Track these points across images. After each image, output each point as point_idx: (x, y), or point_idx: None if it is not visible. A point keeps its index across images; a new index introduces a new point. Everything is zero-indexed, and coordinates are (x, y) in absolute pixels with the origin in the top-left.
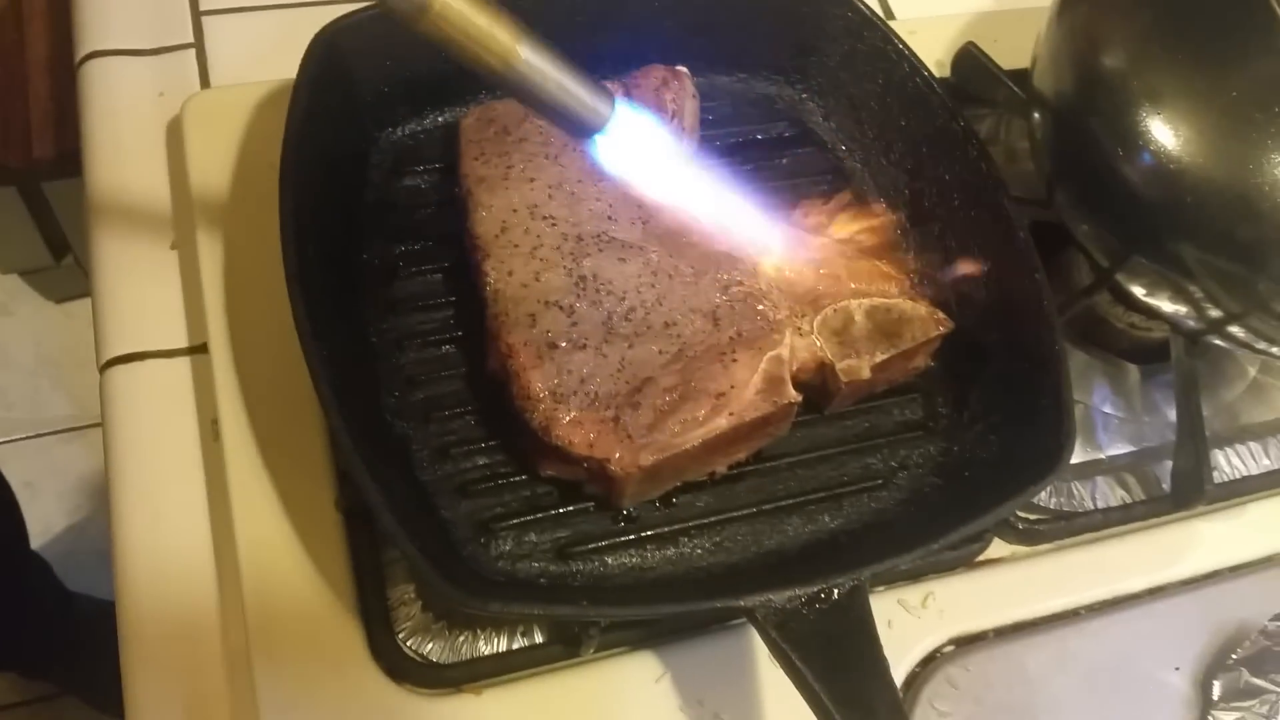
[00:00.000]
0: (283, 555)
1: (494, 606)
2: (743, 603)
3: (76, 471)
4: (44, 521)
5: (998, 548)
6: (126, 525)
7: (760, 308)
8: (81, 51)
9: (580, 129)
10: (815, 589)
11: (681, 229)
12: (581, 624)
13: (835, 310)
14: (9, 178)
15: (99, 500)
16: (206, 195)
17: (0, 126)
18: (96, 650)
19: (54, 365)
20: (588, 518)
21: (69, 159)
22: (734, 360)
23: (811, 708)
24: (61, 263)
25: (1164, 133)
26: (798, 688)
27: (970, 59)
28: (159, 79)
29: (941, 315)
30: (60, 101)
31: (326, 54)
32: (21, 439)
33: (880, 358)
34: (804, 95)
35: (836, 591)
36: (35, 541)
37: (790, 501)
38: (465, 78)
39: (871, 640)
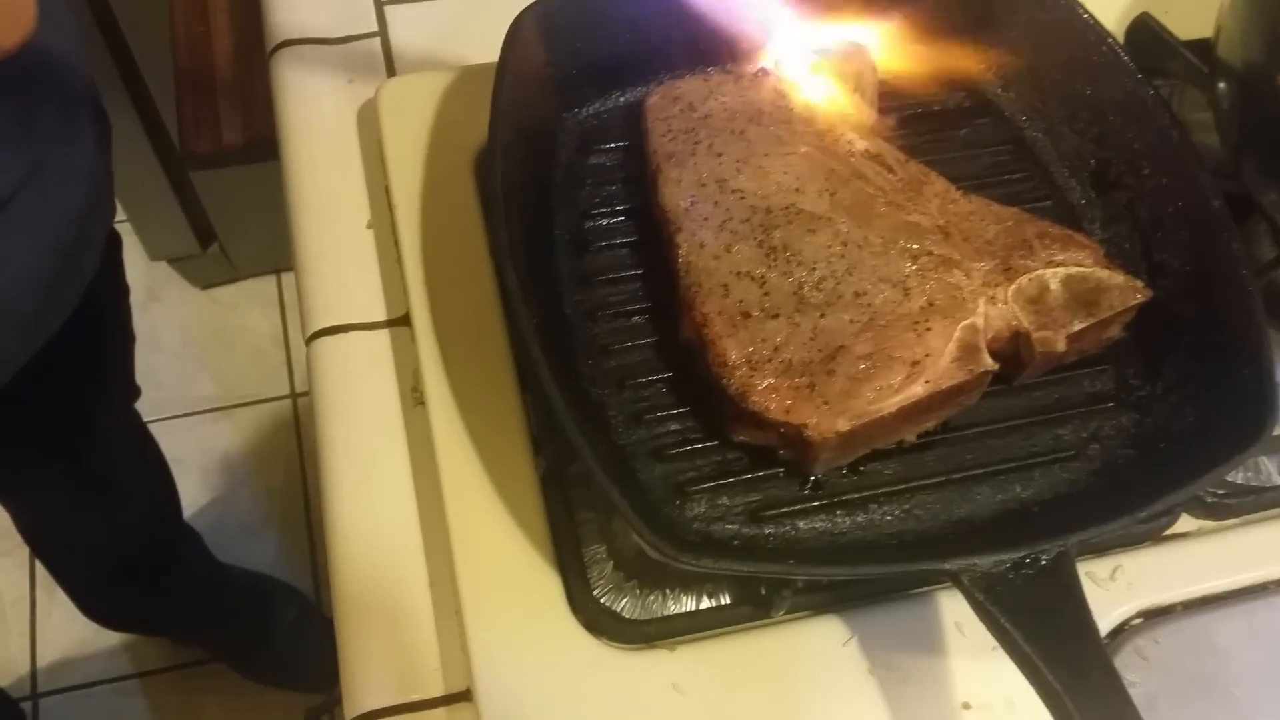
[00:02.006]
0: (486, 515)
1: (706, 562)
2: (949, 566)
3: (221, 449)
4: (191, 496)
5: (1185, 522)
6: (337, 485)
7: (951, 277)
8: (273, 41)
9: None
10: (1021, 554)
11: (868, 200)
12: (773, 585)
13: (1030, 279)
14: (200, 163)
15: (244, 476)
16: (403, 176)
17: (191, 115)
18: (245, 619)
19: (199, 348)
20: (778, 483)
21: (256, 145)
22: (928, 329)
23: (1020, 667)
24: (207, 250)
25: None
26: (1007, 650)
27: (1145, 30)
28: (347, 66)
29: (1139, 284)
30: (247, 90)
31: (525, 37)
32: (170, 418)
33: (1077, 327)
34: (982, 65)
35: (1043, 557)
36: (184, 516)
37: (980, 471)
38: (647, 59)
39: (1079, 604)
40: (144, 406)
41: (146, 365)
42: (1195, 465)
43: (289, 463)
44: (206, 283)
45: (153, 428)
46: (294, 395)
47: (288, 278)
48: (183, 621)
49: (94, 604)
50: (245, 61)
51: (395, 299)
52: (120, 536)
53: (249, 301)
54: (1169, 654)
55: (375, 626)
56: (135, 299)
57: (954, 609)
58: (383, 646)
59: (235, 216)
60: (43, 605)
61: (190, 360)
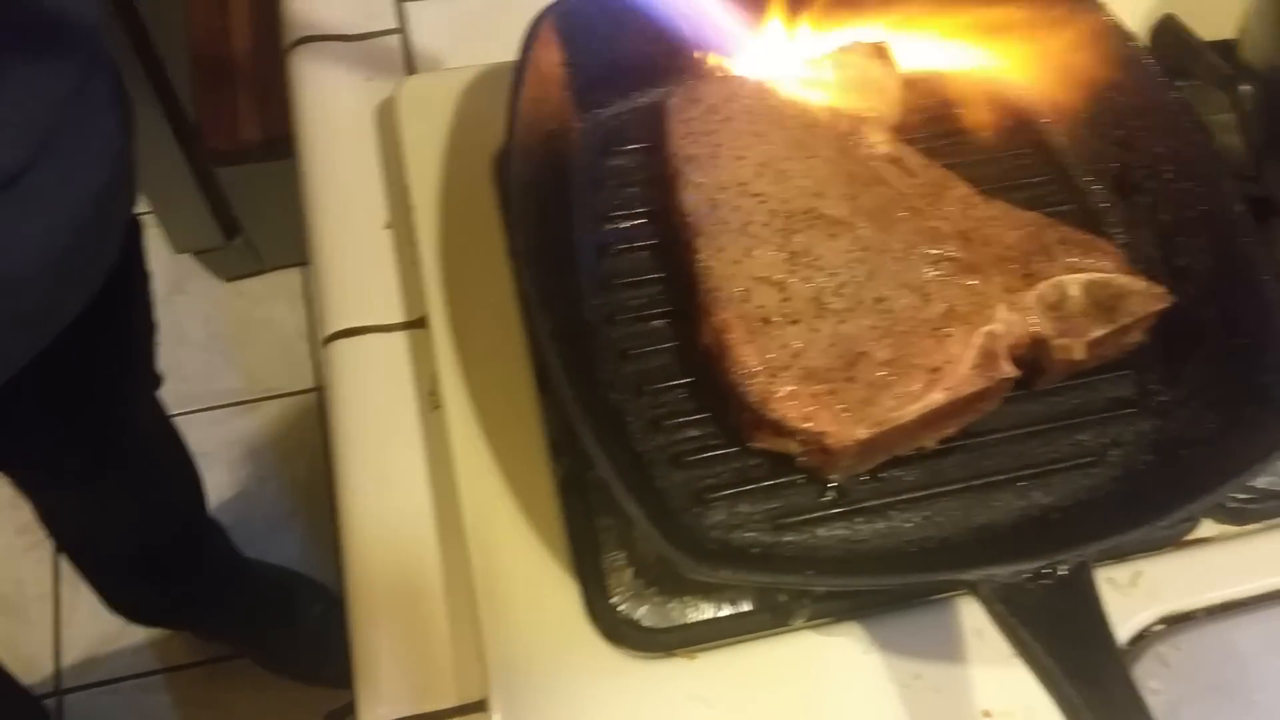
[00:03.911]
0: (504, 520)
1: (724, 573)
2: (968, 576)
3: (247, 443)
4: (217, 490)
5: (1206, 527)
6: (353, 488)
7: (971, 283)
8: (291, 37)
9: None
10: (1039, 564)
11: (888, 205)
12: (794, 594)
13: (1051, 285)
14: (218, 159)
15: (269, 470)
16: (421, 176)
17: (210, 111)
18: (270, 614)
19: (224, 341)
20: (797, 490)
21: (274, 143)
22: (948, 335)
23: (1039, 679)
24: (232, 242)
25: None
26: (1025, 661)
27: (1170, 31)
28: (366, 64)
29: (1160, 290)
30: (265, 87)
31: (544, 37)
32: (195, 411)
33: (1097, 333)
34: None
35: (1062, 568)
36: (209, 510)
37: (1000, 478)
38: (668, 59)
39: (1098, 616)
40: (169, 399)
41: (171, 358)
42: (1216, 472)
43: (314, 457)
44: (231, 275)
45: (177, 421)
46: (320, 388)
47: None
48: (208, 616)
49: (119, 598)
50: (264, 56)
51: (413, 301)
52: (144, 529)
53: (274, 294)
54: (1191, 661)
55: (390, 634)
56: (159, 291)
57: (974, 615)
58: (397, 654)
59: (260, 208)
60: (68, 600)
61: (215, 353)
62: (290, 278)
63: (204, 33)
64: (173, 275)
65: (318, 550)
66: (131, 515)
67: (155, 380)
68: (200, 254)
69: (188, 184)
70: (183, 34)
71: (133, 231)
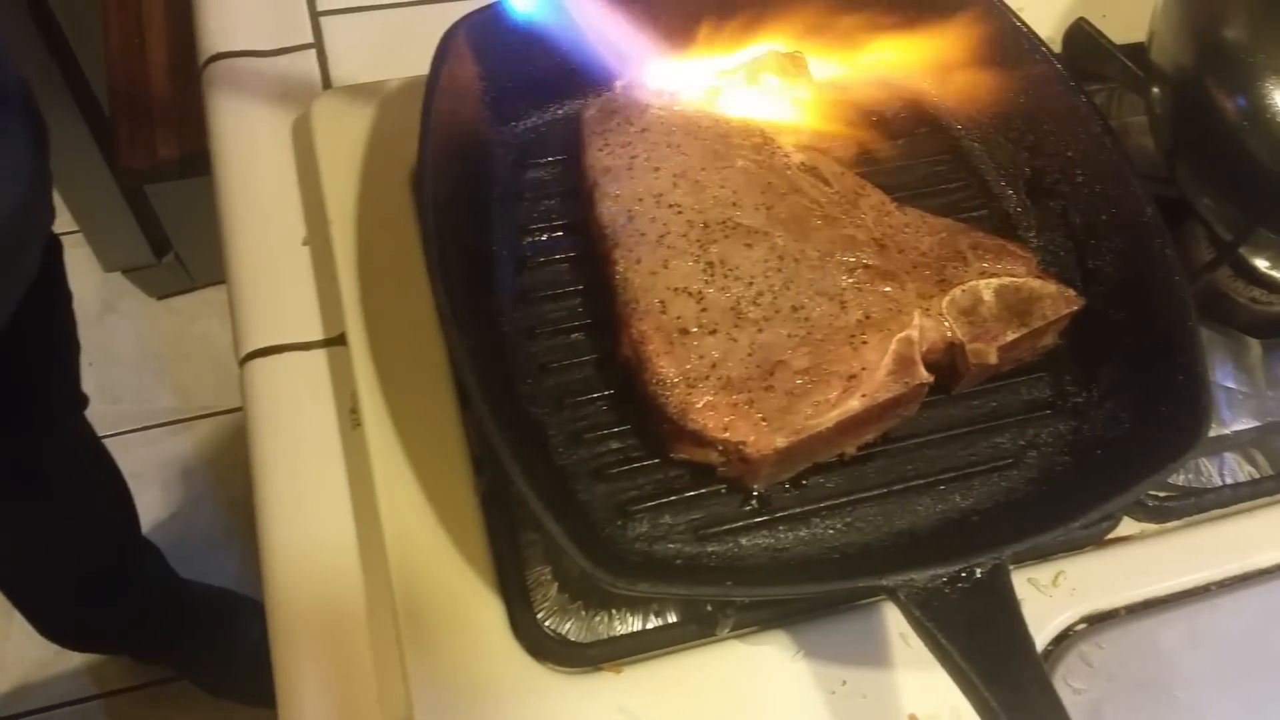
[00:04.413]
0: (426, 538)
1: (643, 587)
2: (885, 582)
3: (182, 462)
4: (152, 511)
5: (1127, 525)
6: (272, 510)
7: (887, 289)
8: (205, 54)
9: None
10: (957, 568)
11: (804, 214)
12: (719, 604)
13: (964, 290)
14: (135, 178)
15: (205, 489)
16: (337, 192)
17: (126, 129)
18: (208, 635)
19: (157, 359)
20: (720, 500)
21: (192, 160)
22: (864, 342)
23: (957, 683)
24: (163, 260)
25: None
26: (943, 664)
27: (1082, 35)
28: (281, 79)
29: (1071, 293)
30: (182, 104)
31: (456, 51)
32: (128, 431)
33: (1010, 337)
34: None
35: (979, 570)
36: (144, 531)
37: (920, 482)
38: (584, 72)
39: (1015, 618)
40: (101, 421)
41: (103, 379)
42: (1132, 471)
43: (250, 474)
44: (163, 293)
45: (110, 442)
46: None
47: None
48: (145, 639)
49: (51, 624)
50: (181, 73)
51: (331, 317)
52: (75, 552)
53: (207, 311)
54: (1113, 659)
55: (312, 655)
56: (90, 311)
57: (899, 620)
58: (321, 676)
59: (190, 225)
60: None
61: (148, 372)
62: (223, 294)
63: (119, 50)
64: (103, 294)
65: (256, 569)
66: (60, 539)
67: (80, 401)
68: (130, 272)
69: (116, 202)
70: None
71: (52, 250)
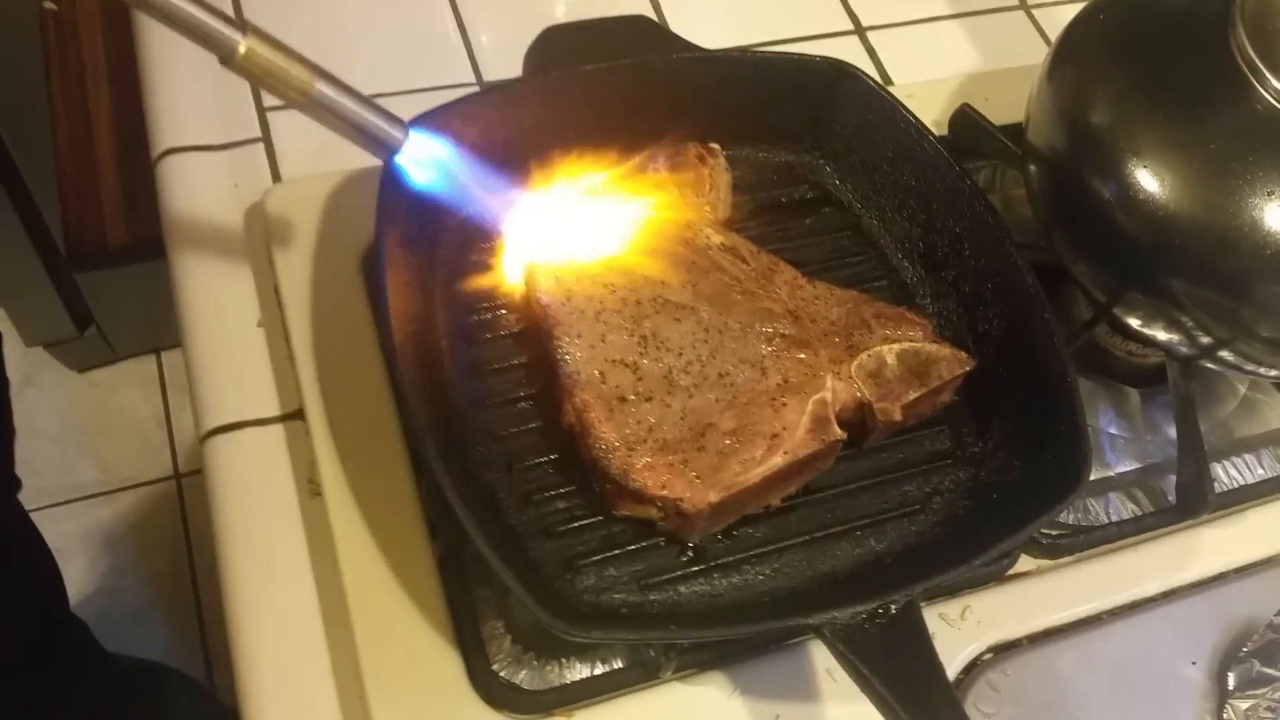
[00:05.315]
0: (386, 598)
1: (596, 634)
2: (811, 620)
3: (105, 535)
4: (76, 585)
5: (1024, 562)
6: (237, 577)
7: (802, 356)
8: (158, 149)
9: (381, 148)
10: (874, 605)
11: (725, 289)
12: (660, 648)
13: (869, 355)
14: (86, 263)
15: (129, 562)
16: (291, 277)
17: (76, 215)
18: (136, 708)
19: (78, 432)
20: (659, 552)
21: (142, 245)
22: (783, 404)
23: (878, 708)
24: (85, 334)
25: (1151, 182)
26: (866, 693)
27: (965, 119)
28: (232, 171)
29: (964, 355)
30: (130, 191)
31: (390, 183)
32: (50, 506)
33: (912, 396)
34: (821, 161)
35: (893, 607)
36: (70, 604)
37: (839, 528)
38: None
39: (927, 648)
40: (23, 495)
41: (24, 453)
42: (1024, 513)
43: (175, 545)
44: (84, 365)
45: (34, 516)
46: (178, 476)
47: (168, 356)
48: (71, 713)
49: None
50: (126, 164)
51: (287, 394)
52: (3, 629)
53: (128, 383)
54: (1017, 684)
55: (280, 716)
56: (11, 387)
57: (825, 657)
58: None
59: (113, 299)
60: None
61: (69, 445)
62: (143, 365)
63: (68, 141)
64: (23, 368)
65: (183, 641)
66: None
67: (13, 484)
68: (51, 346)
69: (39, 278)
70: (36, 130)
71: None
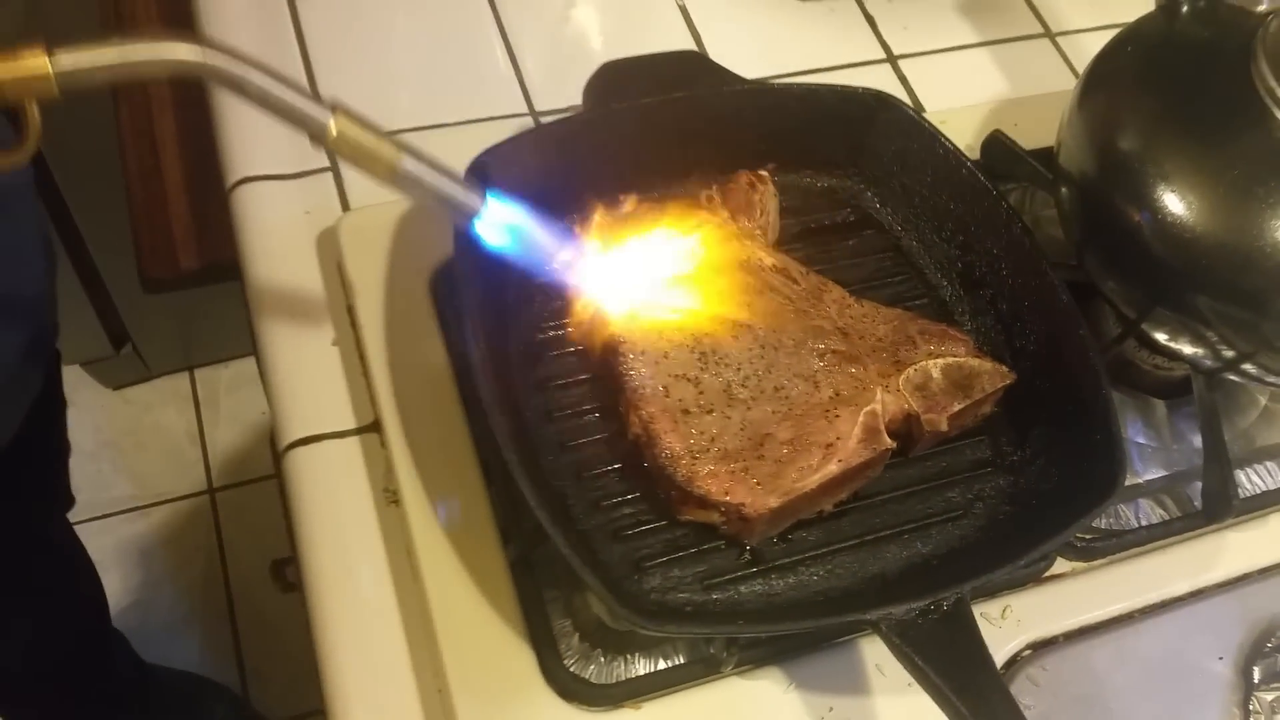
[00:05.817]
0: (464, 600)
1: (670, 628)
2: (869, 616)
3: (140, 549)
4: (113, 598)
5: (1060, 564)
6: (321, 585)
7: (852, 370)
8: (232, 178)
9: (463, 214)
10: (927, 602)
11: (779, 308)
12: (721, 644)
13: (916, 369)
14: (159, 287)
15: (164, 575)
16: (366, 298)
17: (148, 242)
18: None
19: (114, 449)
20: (720, 554)
21: (213, 269)
22: (836, 416)
23: (932, 696)
24: (121, 352)
25: (1179, 206)
26: (920, 683)
27: (998, 144)
28: (304, 198)
29: (1004, 369)
30: (200, 218)
31: (479, 178)
32: (87, 520)
33: (957, 407)
34: (862, 186)
35: (945, 603)
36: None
37: (888, 532)
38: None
39: (978, 642)
40: None
41: None
42: (1062, 517)
43: (209, 558)
44: (119, 383)
45: None
46: (211, 490)
47: (201, 373)
48: None
49: (22, 713)
50: (196, 192)
51: (362, 408)
52: (50, 645)
53: (162, 400)
54: (1055, 679)
55: (365, 713)
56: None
57: (873, 653)
58: None
59: (149, 317)
60: None
61: (105, 462)
62: (177, 382)
63: (137, 171)
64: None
65: (218, 652)
66: (35, 631)
67: (69, 501)
68: (87, 364)
69: (78, 297)
70: (75, 158)
71: (54, 362)
